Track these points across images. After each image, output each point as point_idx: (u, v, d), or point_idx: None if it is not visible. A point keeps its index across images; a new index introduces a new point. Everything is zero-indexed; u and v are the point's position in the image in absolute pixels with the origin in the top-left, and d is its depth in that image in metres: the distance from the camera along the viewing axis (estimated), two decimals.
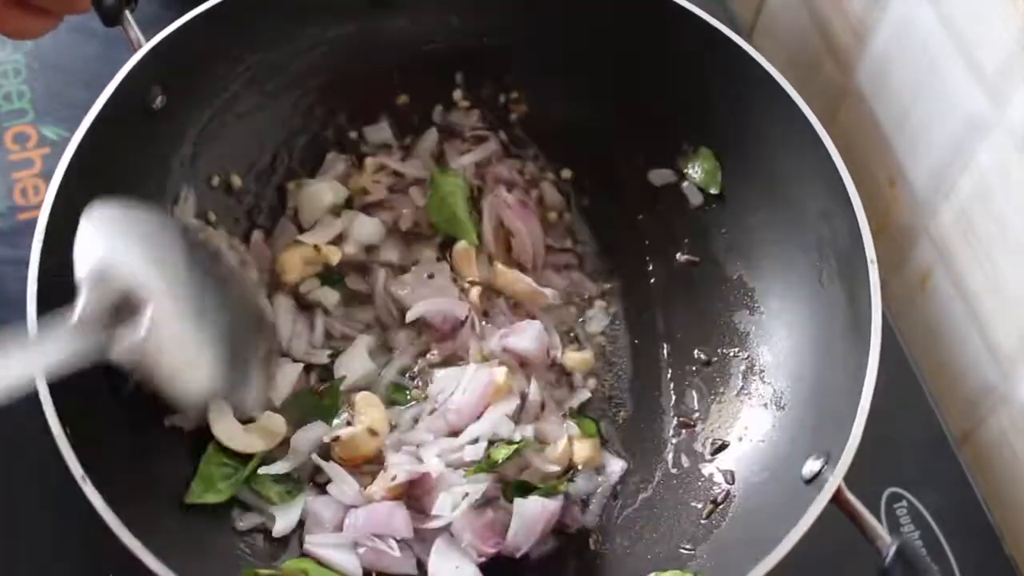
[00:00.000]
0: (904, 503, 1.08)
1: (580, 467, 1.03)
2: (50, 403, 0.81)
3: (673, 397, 1.09)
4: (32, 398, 0.79)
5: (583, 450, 1.04)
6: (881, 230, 1.26)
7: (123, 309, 0.80)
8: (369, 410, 1.03)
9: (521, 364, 1.08)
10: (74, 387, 0.81)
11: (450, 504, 0.97)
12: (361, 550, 0.96)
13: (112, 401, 0.92)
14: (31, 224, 0.88)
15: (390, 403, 1.06)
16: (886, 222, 1.25)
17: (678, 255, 1.13)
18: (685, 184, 1.12)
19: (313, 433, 1.02)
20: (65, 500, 0.79)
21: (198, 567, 0.86)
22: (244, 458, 0.99)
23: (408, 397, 1.07)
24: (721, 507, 0.97)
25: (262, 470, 0.99)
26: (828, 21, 1.32)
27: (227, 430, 1.00)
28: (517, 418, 1.04)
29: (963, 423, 1.18)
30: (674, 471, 1.04)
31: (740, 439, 1.01)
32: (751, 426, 1.01)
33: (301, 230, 1.13)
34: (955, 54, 1.10)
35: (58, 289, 0.83)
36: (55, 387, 0.81)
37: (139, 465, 0.93)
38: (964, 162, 1.11)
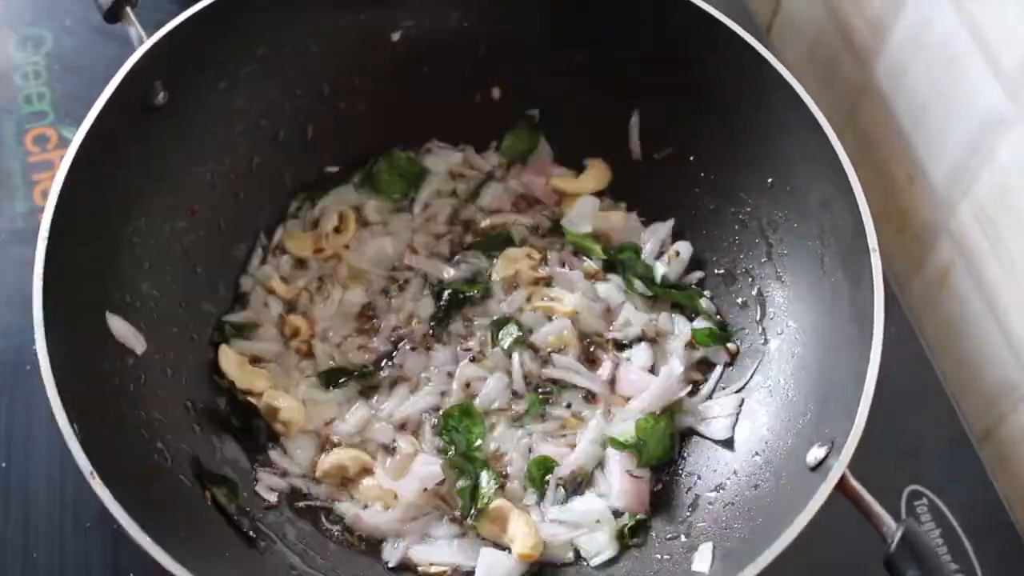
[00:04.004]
0: (925, 501, 1.07)
1: None
2: (58, 400, 0.81)
3: None
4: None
5: None
6: (901, 229, 1.25)
7: None
8: None
9: None
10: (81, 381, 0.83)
11: None
12: None
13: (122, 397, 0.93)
14: None
15: None
16: (905, 221, 1.24)
17: None
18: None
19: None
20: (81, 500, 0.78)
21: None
22: None
23: None
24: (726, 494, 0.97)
25: None
26: (846, 18, 1.31)
27: None
28: None
29: (984, 421, 1.16)
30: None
31: (746, 427, 1.01)
32: (756, 413, 1.01)
33: None
34: (974, 51, 1.09)
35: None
36: (62, 383, 0.82)
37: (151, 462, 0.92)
38: (983, 158, 1.10)
